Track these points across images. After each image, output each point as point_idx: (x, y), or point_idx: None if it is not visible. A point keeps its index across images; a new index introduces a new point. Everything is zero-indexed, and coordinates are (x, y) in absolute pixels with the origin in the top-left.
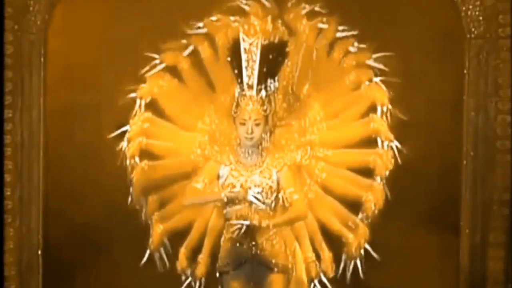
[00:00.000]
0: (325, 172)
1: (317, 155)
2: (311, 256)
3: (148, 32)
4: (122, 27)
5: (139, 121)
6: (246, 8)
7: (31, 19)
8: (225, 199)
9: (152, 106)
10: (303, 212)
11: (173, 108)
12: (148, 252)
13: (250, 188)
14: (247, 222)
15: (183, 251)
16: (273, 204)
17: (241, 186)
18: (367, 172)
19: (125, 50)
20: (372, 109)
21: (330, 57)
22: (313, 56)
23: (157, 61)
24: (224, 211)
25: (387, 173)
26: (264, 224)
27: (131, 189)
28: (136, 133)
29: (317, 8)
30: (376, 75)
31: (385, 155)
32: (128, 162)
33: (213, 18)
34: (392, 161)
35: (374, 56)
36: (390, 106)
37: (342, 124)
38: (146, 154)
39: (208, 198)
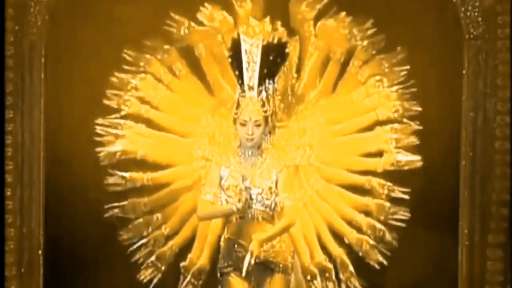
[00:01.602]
0: (320, 183)
1: (315, 163)
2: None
3: (148, 32)
4: (122, 28)
5: (134, 132)
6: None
7: (31, 20)
8: (236, 210)
9: (150, 113)
10: (293, 220)
11: (170, 114)
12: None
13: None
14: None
15: (190, 257)
16: (272, 205)
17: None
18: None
19: (126, 50)
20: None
21: (342, 64)
22: (321, 61)
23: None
24: None
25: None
26: (260, 239)
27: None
28: (132, 142)
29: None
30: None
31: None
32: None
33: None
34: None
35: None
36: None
37: (344, 132)
38: (145, 162)
39: (221, 212)
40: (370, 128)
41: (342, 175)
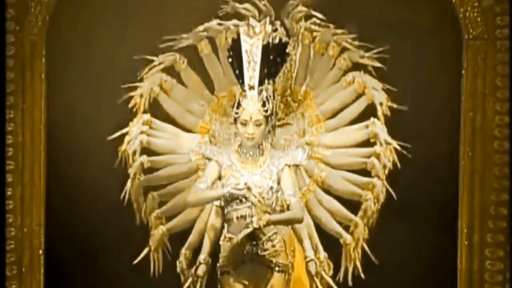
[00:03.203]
0: (325, 172)
1: (316, 156)
2: (310, 255)
3: (148, 32)
4: (123, 27)
5: (139, 123)
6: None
7: (32, 20)
8: (228, 196)
9: (153, 107)
10: (300, 215)
11: (173, 106)
12: (146, 250)
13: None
14: (248, 230)
15: (183, 252)
16: (273, 204)
17: (245, 184)
18: (366, 172)
19: (127, 50)
20: (371, 109)
21: (327, 58)
22: (310, 57)
23: (156, 62)
24: (225, 211)
25: (386, 172)
26: (261, 222)
27: (129, 186)
28: (136, 134)
29: (314, 13)
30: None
31: (383, 155)
32: (128, 160)
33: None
34: (391, 159)
35: (369, 54)
36: (387, 105)
37: (340, 125)
38: (147, 154)
39: (212, 195)
40: (364, 113)
41: (343, 161)
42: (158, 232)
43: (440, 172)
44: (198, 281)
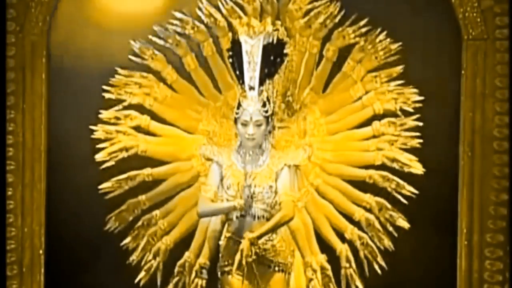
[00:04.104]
0: (320, 179)
1: (316, 161)
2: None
3: (148, 31)
4: (124, 27)
5: (136, 129)
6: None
7: (33, 20)
8: (239, 207)
9: (151, 112)
10: (288, 214)
11: (171, 114)
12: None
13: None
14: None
15: (187, 255)
16: (273, 203)
17: (240, 185)
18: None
19: (127, 50)
20: (374, 117)
21: (334, 62)
22: (315, 60)
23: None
24: None
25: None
26: (251, 237)
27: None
28: (133, 138)
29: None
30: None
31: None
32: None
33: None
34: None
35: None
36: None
37: (342, 129)
38: (145, 158)
39: (223, 208)
40: (368, 124)
41: (342, 170)
42: (162, 245)
43: (440, 172)
44: (197, 279)
